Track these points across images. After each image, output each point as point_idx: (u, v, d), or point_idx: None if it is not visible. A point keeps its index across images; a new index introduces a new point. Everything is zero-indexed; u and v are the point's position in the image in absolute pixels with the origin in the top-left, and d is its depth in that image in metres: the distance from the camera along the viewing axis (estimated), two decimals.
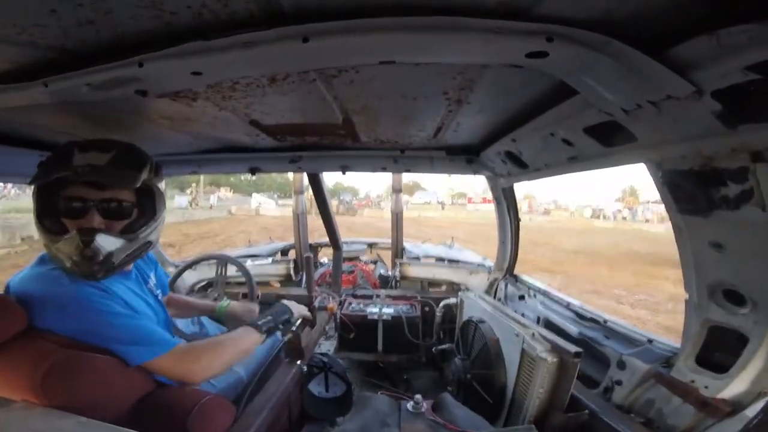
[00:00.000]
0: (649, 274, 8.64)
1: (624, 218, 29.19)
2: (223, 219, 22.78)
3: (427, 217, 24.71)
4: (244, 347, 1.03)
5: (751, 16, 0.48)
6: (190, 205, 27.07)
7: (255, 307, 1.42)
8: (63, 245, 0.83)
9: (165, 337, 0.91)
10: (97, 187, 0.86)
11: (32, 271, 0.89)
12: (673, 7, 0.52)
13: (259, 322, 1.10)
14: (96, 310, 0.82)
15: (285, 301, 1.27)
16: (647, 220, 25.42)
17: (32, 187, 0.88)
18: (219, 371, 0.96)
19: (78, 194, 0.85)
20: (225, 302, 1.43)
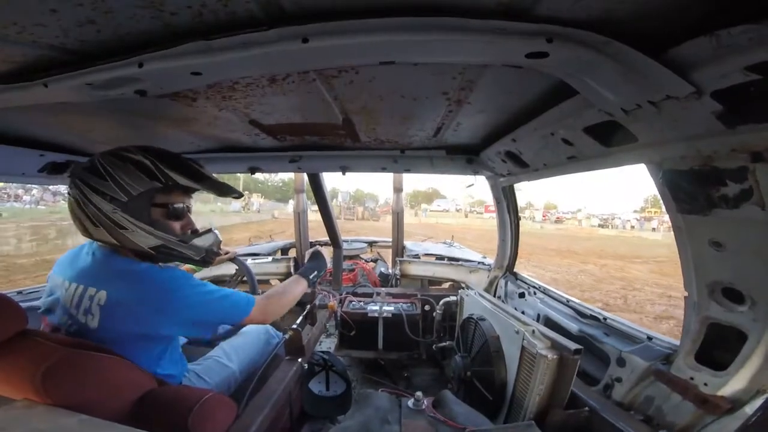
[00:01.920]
0: (599, 264, 11.44)
1: (632, 227, 31.07)
2: (272, 221, 24.85)
3: (443, 224, 26.87)
4: (297, 294, 1.25)
5: (750, 16, 0.48)
6: (243, 209, 29.42)
7: None
8: (203, 240, 1.03)
9: (246, 295, 1.07)
10: (189, 195, 1.03)
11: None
12: (673, 8, 0.52)
13: (310, 275, 1.32)
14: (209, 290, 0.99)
15: (319, 250, 1.48)
16: (653, 229, 27.01)
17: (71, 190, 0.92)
18: (282, 314, 1.18)
19: (181, 200, 0.99)
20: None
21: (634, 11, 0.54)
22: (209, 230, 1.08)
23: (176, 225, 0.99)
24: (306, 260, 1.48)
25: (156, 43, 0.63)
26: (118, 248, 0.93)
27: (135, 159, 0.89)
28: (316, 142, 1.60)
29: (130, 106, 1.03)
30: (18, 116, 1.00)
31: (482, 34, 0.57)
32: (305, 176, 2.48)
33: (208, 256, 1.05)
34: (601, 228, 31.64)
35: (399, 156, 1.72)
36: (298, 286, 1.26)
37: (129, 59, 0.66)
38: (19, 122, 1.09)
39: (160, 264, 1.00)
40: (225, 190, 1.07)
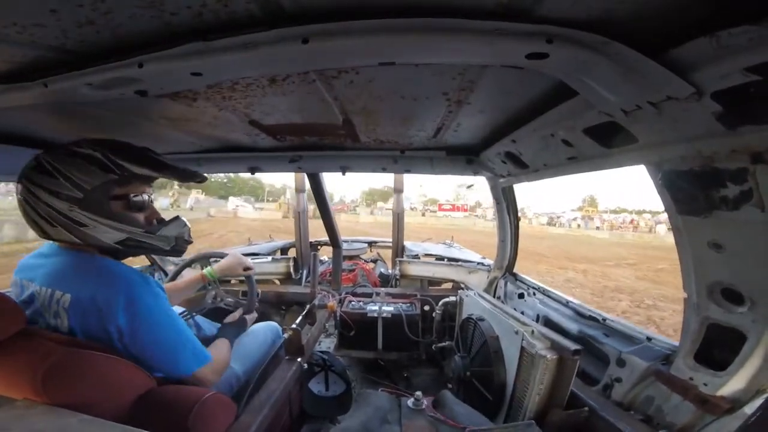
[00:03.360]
0: (578, 269, 11.37)
1: (578, 226, 31.88)
2: (205, 220, 23.61)
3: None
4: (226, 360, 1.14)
5: (750, 17, 0.48)
6: (172, 206, 28.01)
7: (250, 317, 1.43)
8: (171, 229, 1.00)
9: (203, 348, 1.00)
10: (149, 185, 1.00)
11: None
12: (673, 9, 0.52)
13: (232, 337, 1.23)
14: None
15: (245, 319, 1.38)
16: (597, 228, 27.67)
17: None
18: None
19: (140, 191, 0.96)
20: (209, 268, 1.46)
21: (634, 12, 0.53)
22: (176, 218, 1.05)
23: (140, 216, 0.95)
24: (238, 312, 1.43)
25: (156, 44, 0.63)
26: (81, 246, 0.90)
27: (85, 153, 0.86)
28: (316, 143, 1.60)
29: (130, 106, 1.03)
30: (18, 116, 0.99)
31: (482, 34, 0.57)
32: (305, 176, 2.48)
33: (179, 245, 1.03)
34: (550, 226, 32.22)
35: (399, 156, 1.72)
36: (226, 348, 1.17)
37: (129, 59, 0.66)
38: (19, 122, 1.08)
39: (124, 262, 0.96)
40: (186, 175, 1.03)
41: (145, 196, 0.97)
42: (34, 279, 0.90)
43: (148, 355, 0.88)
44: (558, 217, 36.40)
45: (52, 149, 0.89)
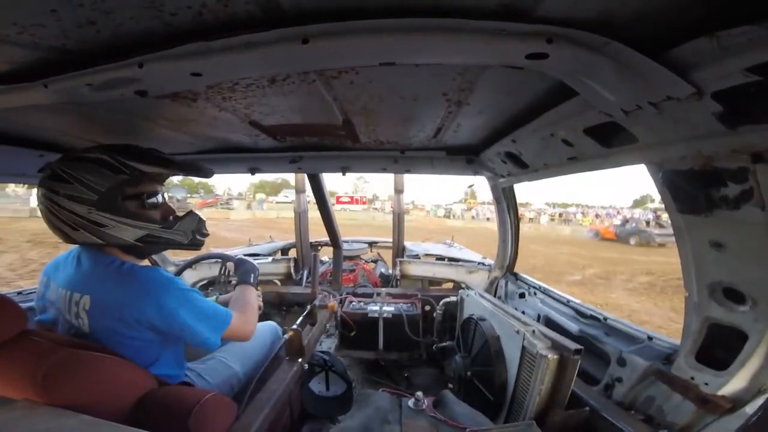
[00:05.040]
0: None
1: (473, 217, 32.92)
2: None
3: (283, 218, 21.00)
4: (254, 302, 1.22)
5: (751, 17, 0.47)
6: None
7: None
8: (186, 223, 1.03)
9: (222, 308, 1.03)
10: (161, 182, 1.03)
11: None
12: (673, 9, 0.52)
13: (249, 280, 1.27)
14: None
15: (241, 258, 1.39)
16: (488, 219, 28.29)
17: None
18: (255, 325, 1.17)
19: (152, 189, 0.99)
20: (213, 297, 1.45)
21: (634, 12, 0.53)
22: (190, 212, 1.08)
23: (155, 213, 0.99)
24: (233, 271, 1.42)
25: (156, 44, 0.63)
26: (103, 247, 0.93)
27: (93, 157, 0.90)
28: (316, 143, 1.60)
29: (130, 106, 1.03)
30: (18, 116, 1.00)
31: (482, 35, 0.57)
32: (306, 177, 2.48)
33: (196, 239, 1.06)
34: (447, 219, 32.31)
35: (399, 156, 1.72)
36: (250, 294, 1.23)
37: (129, 60, 0.66)
38: (19, 122, 1.08)
39: (148, 263, 1.00)
40: (193, 170, 1.07)
41: (159, 195, 1.01)
42: (56, 279, 0.94)
43: (182, 337, 0.94)
44: (451, 210, 37.15)
45: (64, 157, 0.92)
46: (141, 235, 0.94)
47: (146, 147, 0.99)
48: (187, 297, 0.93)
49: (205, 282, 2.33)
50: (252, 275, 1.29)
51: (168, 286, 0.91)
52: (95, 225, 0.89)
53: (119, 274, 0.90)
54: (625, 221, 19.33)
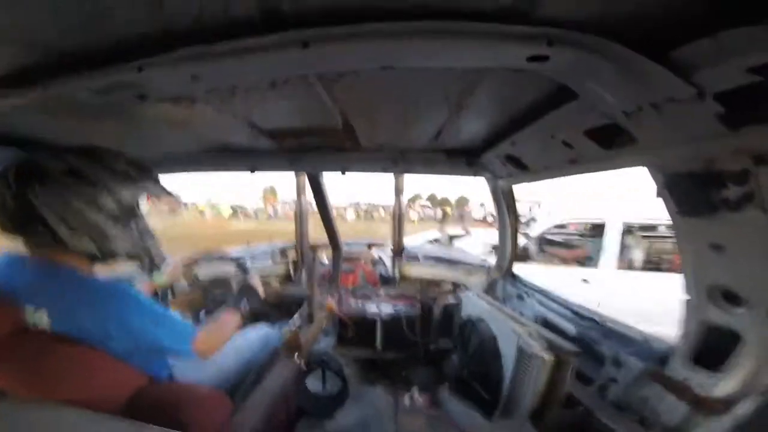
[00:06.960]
0: None
1: (269, 216, 28.35)
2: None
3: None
4: (234, 327, 1.11)
5: (752, 18, 0.47)
6: None
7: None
8: (148, 238, 0.96)
9: (185, 322, 0.97)
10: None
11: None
12: (674, 10, 0.52)
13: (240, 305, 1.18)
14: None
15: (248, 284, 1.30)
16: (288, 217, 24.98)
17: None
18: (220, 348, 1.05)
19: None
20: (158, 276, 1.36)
21: (634, 13, 0.53)
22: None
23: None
24: (237, 288, 1.35)
25: (155, 48, 0.63)
26: (54, 255, 0.83)
27: (122, 170, 0.90)
28: (316, 145, 1.59)
29: (129, 108, 1.02)
30: (18, 118, 0.99)
31: (483, 37, 0.57)
32: (306, 179, 2.48)
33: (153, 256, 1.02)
34: (233, 220, 25.27)
35: (399, 158, 1.72)
36: (233, 318, 1.13)
37: (128, 64, 0.65)
38: (18, 124, 1.08)
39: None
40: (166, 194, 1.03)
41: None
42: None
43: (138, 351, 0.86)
44: (244, 209, 31.43)
45: (82, 158, 0.85)
46: (130, 250, 0.92)
47: (138, 149, 0.98)
48: (152, 310, 0.88)
49: (213, 279, 2.30)
50: (246, 303, 1.21)
51: (131, 301, 0.86)
52: (102, 235, 0.85)
53: (79, 288, 0.81)
54: None
